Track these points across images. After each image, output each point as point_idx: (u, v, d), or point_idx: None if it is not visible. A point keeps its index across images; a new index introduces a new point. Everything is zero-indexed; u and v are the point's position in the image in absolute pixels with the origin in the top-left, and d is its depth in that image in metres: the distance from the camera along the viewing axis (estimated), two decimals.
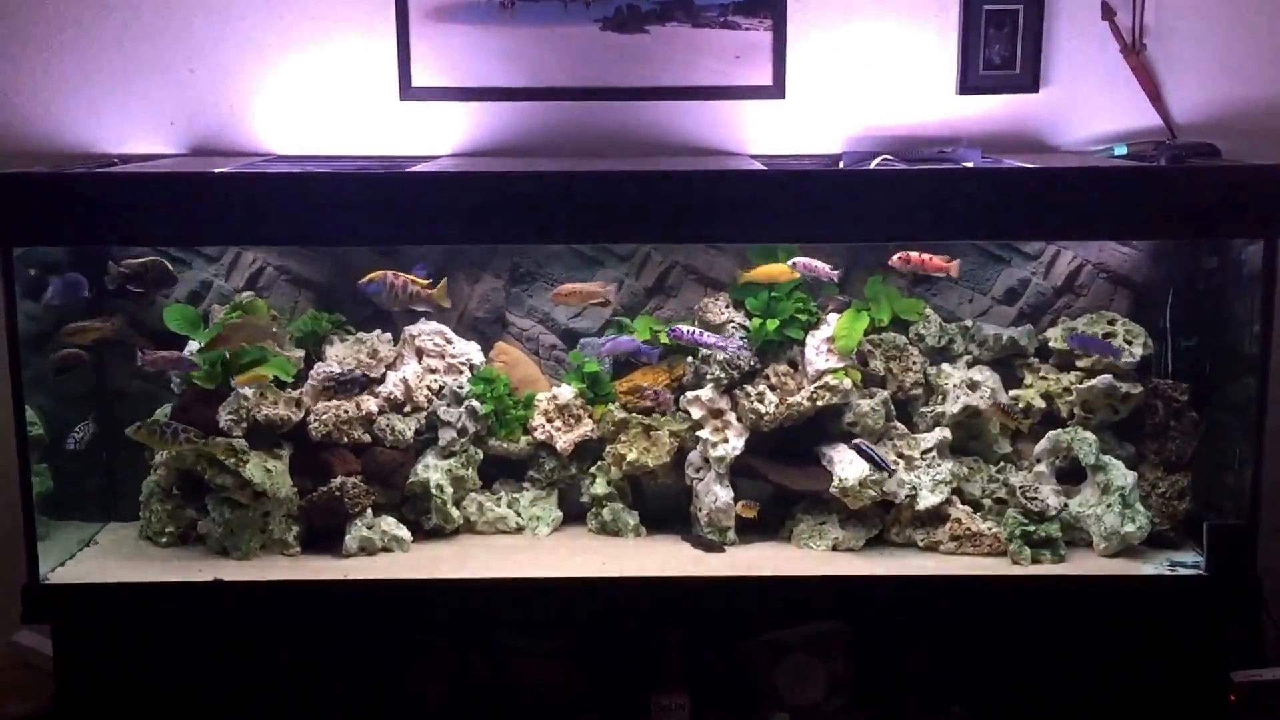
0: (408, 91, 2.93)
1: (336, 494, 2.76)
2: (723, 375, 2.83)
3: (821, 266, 2.76)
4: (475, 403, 2.87)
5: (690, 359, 2.88)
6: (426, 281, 2.77)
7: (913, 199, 2.53)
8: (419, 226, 2.56)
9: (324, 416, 2.79)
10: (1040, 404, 2.85)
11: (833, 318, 2.86)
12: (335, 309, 2.94)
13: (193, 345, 2.83)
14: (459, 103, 2.95)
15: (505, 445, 2.91)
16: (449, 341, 2.92)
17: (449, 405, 2.88)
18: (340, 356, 2.86)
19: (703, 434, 2.83)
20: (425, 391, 2.88)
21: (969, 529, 2.76)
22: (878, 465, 2.72)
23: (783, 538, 2.86)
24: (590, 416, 2.91)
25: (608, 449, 2.89)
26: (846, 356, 2.81)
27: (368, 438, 2.83)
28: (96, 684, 2.70)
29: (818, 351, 2.84)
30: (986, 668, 2.74)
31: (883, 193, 2.55)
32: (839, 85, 2.96)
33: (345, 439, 2.80)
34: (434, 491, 2.83)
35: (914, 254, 2.73)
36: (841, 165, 2.78)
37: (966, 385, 2.84)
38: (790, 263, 2.77)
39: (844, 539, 2.78)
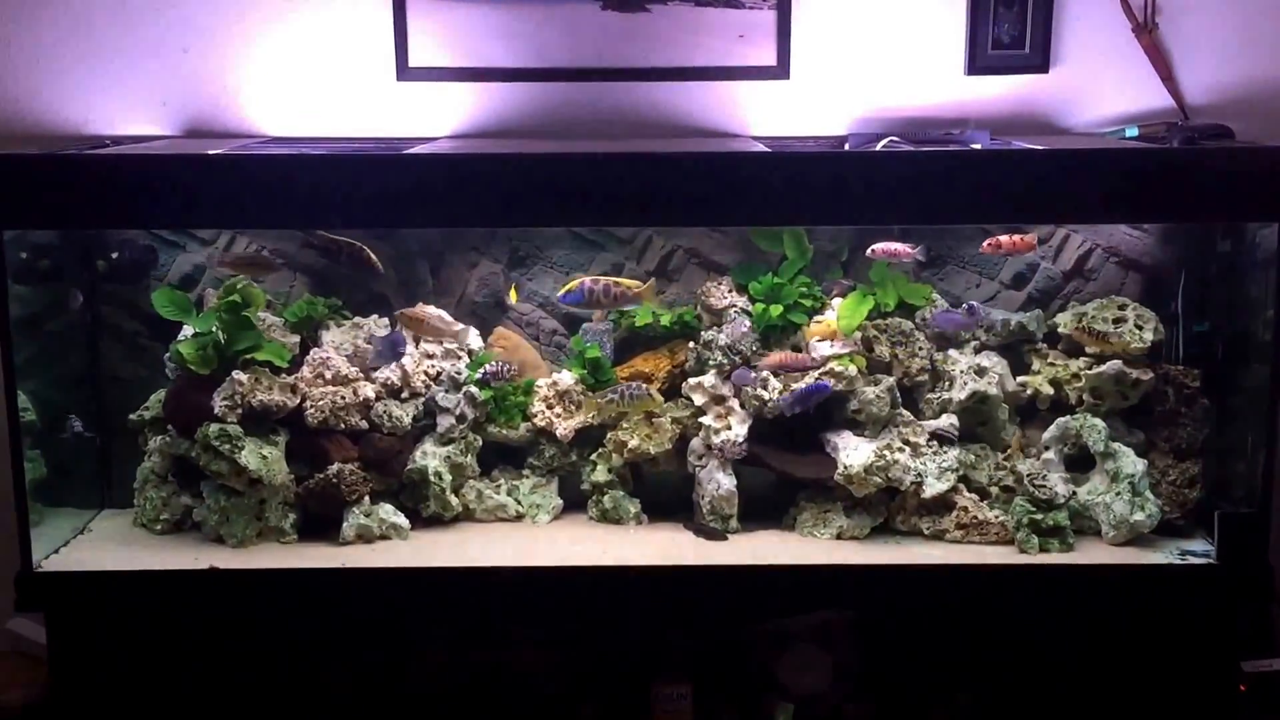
0: (405, 72, 2.90)
1: (334, 481, 2.73)
2: (725, 361, 2.80)
3: (902, 248, 2.72)
4: (474, 389, 2.83)
5: (692, 344, 2.85)
6: (633, 281, 2.73)
7: (920, 182, 2.49)
8: (416, 209, 2.52)
9: (320, 403, 2.76)
10: (1048, 390, 2.81)
11: (837, 302, 2.83)
12: (331, 293, 2.91)
13: (187, 330, 2.80)
14: (457, 83, 2.91)
15: (504, 432, 2.88)
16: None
17: (447, 391, 2.85)
18: (337, 342, 2.83)
19: (705, 421, 2.79)
20: (423, 377, 2.85)
21: (975, 517, 2.73)
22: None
23: (786, 526, 2.82)
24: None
25: (609, 436, 2.85)
26: (849, 339, 2.78)
27: (365, 424, 2.80)
28: (91, 672, 2.68)
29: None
30: (993, 657, 2.71)
31: (889, 175, 2.51)
32: (844, 65, 2.92)
33: (342, 425, 2.77)
34: (432, 479, 2.80)
35: (1003, 238, 2.71)
36: (847, 147, 2.75)
37: (974, 371, 2.81)
38: (870, 250, 2.73)
39: (848, 527, 2.75)
